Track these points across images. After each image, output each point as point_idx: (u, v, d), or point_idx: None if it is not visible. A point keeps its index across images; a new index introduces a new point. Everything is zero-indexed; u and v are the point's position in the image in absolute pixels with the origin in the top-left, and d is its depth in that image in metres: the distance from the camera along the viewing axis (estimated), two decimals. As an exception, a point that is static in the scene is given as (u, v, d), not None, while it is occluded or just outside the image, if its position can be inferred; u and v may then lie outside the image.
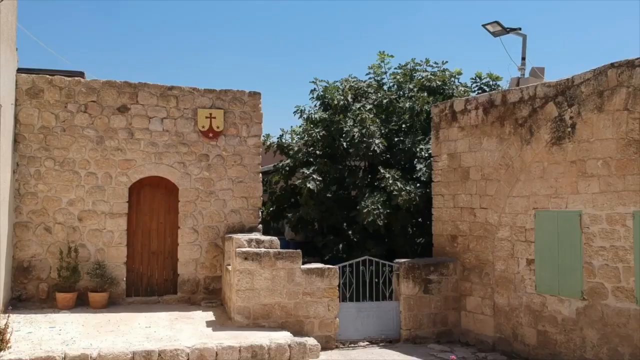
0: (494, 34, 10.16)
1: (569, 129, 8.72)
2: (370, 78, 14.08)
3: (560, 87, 8.90)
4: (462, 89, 13.01)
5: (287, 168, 13.13)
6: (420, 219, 11.93)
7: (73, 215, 11.26)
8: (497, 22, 9.91)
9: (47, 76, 11.49)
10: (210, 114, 11.98)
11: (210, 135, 11.96)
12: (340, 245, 12.27)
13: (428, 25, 47.95)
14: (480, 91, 13.86)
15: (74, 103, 11.44)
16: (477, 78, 13.91)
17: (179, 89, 12.02)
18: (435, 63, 14.20)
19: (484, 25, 9.96)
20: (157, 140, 11.74)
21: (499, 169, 9.84)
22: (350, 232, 12.14)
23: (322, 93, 13.72)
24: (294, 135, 13.71)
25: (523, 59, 10.32)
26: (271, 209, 13.53)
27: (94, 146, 11.43)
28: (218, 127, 11.98)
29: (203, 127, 11.92)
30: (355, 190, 12.42)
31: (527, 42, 10.23)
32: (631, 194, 7.88)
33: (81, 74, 32.32)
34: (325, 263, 12.08)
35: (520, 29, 10.11)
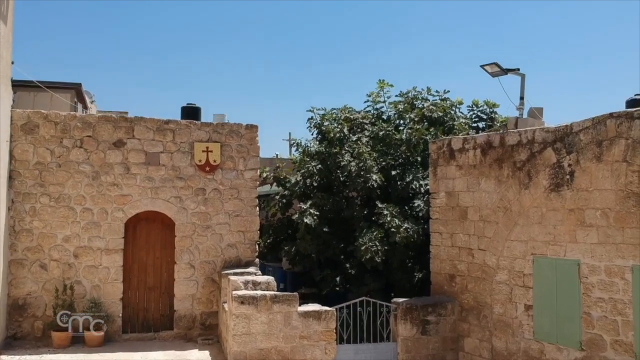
0: (492, 74, 10.10)
1: (568, 177, 8.65)
2: (368, 106, 14.04)
3: (558, 134, 8.83)
4: (463, 120, 12.92)
5: (284, 200, 13.08)
6: (419, 252, 11.85)
7: (69, 251, 11.18)
8: (496, 64, 9.85)
9: (43, 111, 11.42)
10: (207, 147, 11.91)
11: (207, 169, 11.88)
12: (338, 279, 12.20)
13: (428, 58, 48.04)
14: (477, 119, 13.79)
15: (69, 138, 11.36)
16: (473, 106, 13.84)
17: (176, 122, 11.96)
18: (437, 92, 14.13)
19: (482, 66, 9.91)
20: (154, 175, 11.66)
21: (497, 211, 9.78)
22: (347, 265, 12.06)
23: (319, 121, 13.65)
24: (291, 162, 13.66)
25: (521, 98, 10.25)
26: (268, 241, 13.46)
27: (89, 182, 11.35)
28: (215, 161, 11.90)
29: (200, 161, 11.85)
30: (352, 223, 12.33)
31: (525, 81, 10.19)
32: (630, 247, 7.82)
33: (78, 86, 32.00)
34: (323, 297, 12.04)
35: (518, 69, 10.06)
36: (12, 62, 11.20)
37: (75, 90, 31.76)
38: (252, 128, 12.22)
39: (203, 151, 11.88)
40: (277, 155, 36.18)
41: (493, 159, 9.84)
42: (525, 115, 10.08)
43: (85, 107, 35.45)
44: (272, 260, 15.05)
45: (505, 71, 10.10)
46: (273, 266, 14.57)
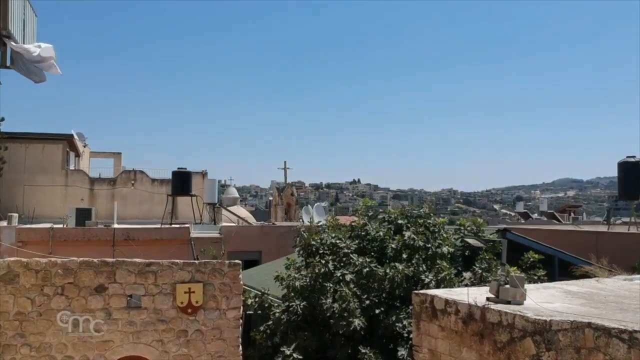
0: (473, 244, 10.06)
1: (547, 373, 8.57)
2: (355, 225, 14.07)
3: (538, 326, 8.71)
4: (446, 249, 12.85)
5: (269, 331, 13.04)
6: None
7: (49, 401, 11.14)
8: (475, 238, 9.81)
9: (23, 260, 11.35)
10: (189, 288, 11.83)
11: (189, 310, 11.81)
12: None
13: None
14: (463, 237, 13.73)
15: (50, 286, 11.30)
16: (460, 226, 13.78)
17: (158, 264, 11.87)
18: (420, 205, 14.11)
19: (463, 240, 9.86)
20: (135, 319, 11.60)
21: (478, 385, 9.70)
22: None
23: (306, 238, 13.66)
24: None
25: (503, 264, 10.20)
26: (253, 371, 13.42)
27: (71, 329, 11.29)
28: (197, 302, 11.82)
29: (182, 302, 11.77)
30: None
31: (505, 248, 10.13)
32: None
33: (70, 137, 32.04)
34: None
35: (499, 241, 10.02)
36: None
37: (67, 141, 31.93)
38: (235, 266, 12.15)
39: (185, 292, 11.81)
40: (272, 194, 35.91)
41: (474, 331, 9.75)
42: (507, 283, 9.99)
43: (77, 155, 35.51)
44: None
45: (485, 243, 10.06)
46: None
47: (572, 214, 42.03)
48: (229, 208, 38.53)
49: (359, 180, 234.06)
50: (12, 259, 11.40)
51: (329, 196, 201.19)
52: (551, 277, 17.11)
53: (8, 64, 10.75)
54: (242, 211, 41.11)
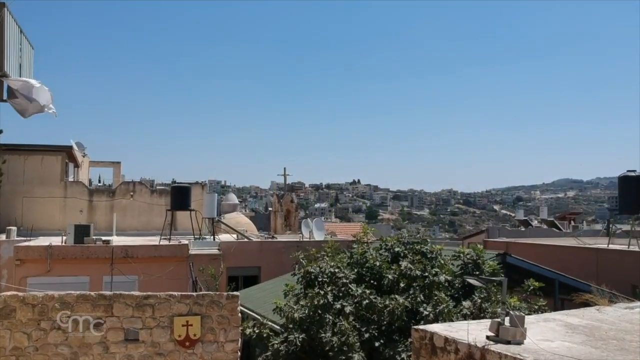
0: (473, 284, 10.00)
1: (547, 420, 8.49)
2: (354, 252, 14.00)
3: (538, 371, 8.67)
4: (444, 277, 12.78)
5: (268, 362, 13.00)
6: None
7: None
8: (476, 279, 9.74)
9: (19, 294, 11.28)
10: (187, 321, 11.75)
11: (187, 344, 11.72)
12: None
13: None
14: (463, 265, 13.66)
15: (47, 320, 11.22)
16: (460, 254, 13.73)
17: (155, 297, 11.79)
18: (418, 230, 14.06)
19: (465, 278, 9.80)
20: (133, 353, 11.51)
21: None
22: None
23: (304, 263, 13.65)
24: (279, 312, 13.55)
25: (503, 303, 10.11)
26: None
27: (68, 364, 11.23)
28: (195, 335, 11.74)
29: (179, 336, 11.69)
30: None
31: (505, 286, 10.06)
32: None
33: (69, 148, 31.79)
34: None
35: (500, 281, 9.94)
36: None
37: (66, 152, 31.82)
38: (233, 298, 12.06)
39: (183, 325, 11.73)
40: (272, 194, 35.84)
41: (474, 372, 9.69)
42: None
43: (76, 165, 35.42)
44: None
45: (486, 283, 9.99)
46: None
47: (572, 222, 41.99)
48: (228, 215, 38.49)
49: (359, 181, 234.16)
50: (9, 293, 11.31)
51: (329, 197, 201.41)
52: (551, 299, 17.07)
53: (5, 98, 10.70)
54: (242, 218, 41.05)
